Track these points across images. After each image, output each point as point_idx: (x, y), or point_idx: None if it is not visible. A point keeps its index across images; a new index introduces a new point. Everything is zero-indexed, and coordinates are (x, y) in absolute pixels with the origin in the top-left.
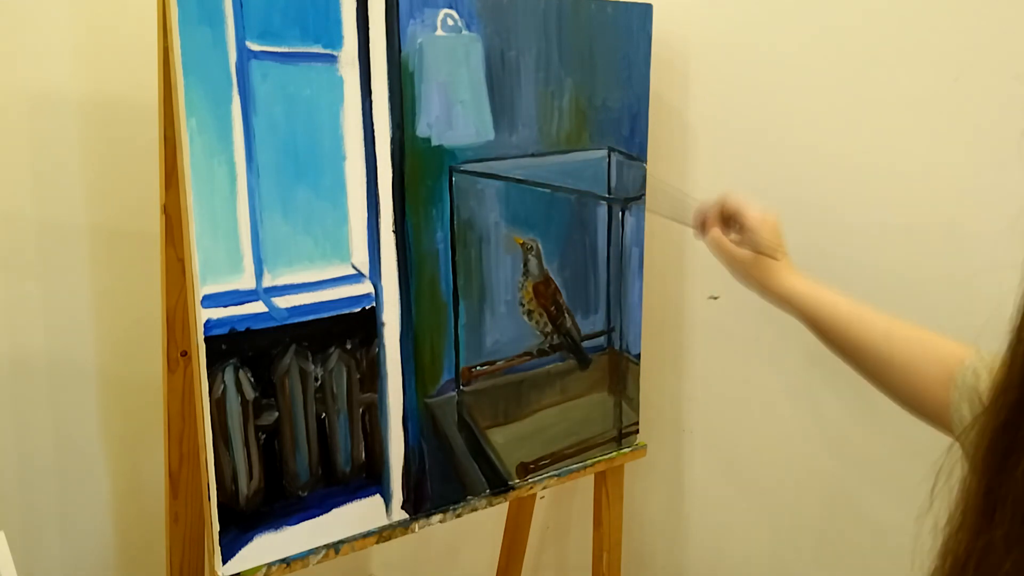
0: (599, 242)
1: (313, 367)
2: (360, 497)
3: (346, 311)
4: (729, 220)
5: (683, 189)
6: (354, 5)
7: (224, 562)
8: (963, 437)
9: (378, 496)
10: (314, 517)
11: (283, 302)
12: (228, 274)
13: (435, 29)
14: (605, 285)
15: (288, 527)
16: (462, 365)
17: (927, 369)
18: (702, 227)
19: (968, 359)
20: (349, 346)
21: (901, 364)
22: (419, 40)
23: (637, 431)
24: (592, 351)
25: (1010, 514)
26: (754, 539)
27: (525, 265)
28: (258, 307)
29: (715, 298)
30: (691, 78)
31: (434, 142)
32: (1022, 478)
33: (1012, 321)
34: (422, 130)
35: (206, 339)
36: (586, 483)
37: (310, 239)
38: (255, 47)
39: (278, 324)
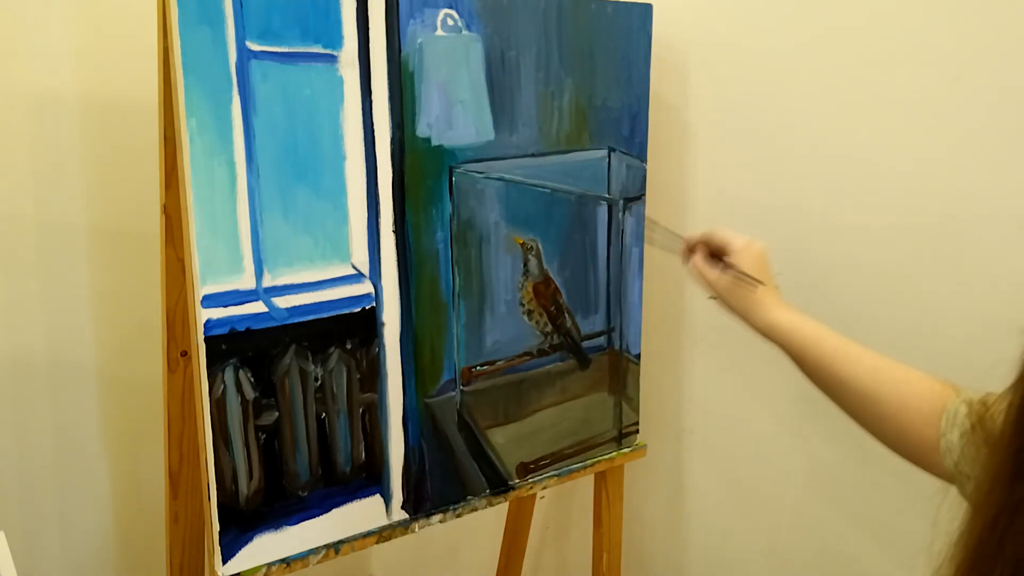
0: (599, 242)
1: (313, 367)
2: (360, 497)
3: (346, 311)
4: (717, 254)
5: (675, 230)
6: (354, 5)
7: (224, 562)
8: (926, 454)
9: (378, 496)
10: (314, 517)
11: (283, 302)
12: (228, 274)
13: (435, 29)
14: (605, 285)
15: (288, 527)
16: (462, 365)
17: (915, 406)
18: (688, 254)
19: (962, 394)
20: (349, 346)
21: (887, 401)
22: (419, 40)
23: (637, 431)
24: (592, 351)
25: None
26: (754, 539)
27: (525, 265)
28: (258, 307)
29: (715, 298)
30: (691, 78)
31: (434, 142)
32: (1012, 541)
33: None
34: (422, 130)
35: (206, 339)
36: (586, 483)
37: (310, 239)
38: (255, 47)
39: (278, 324)
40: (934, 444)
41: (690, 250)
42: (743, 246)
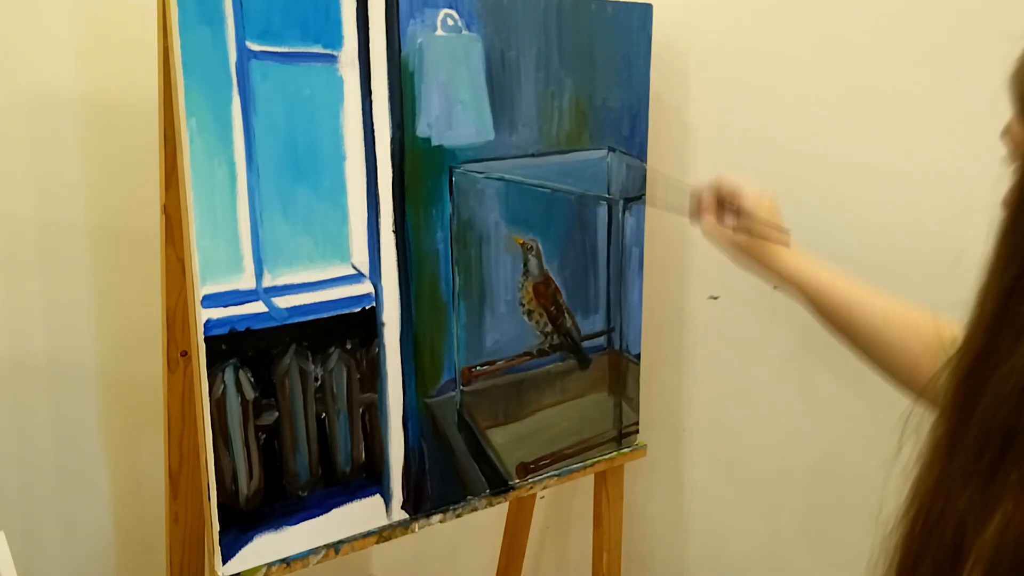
0: (599, 242)
1: (313, 367)
2: (360, 497)
3: (346, 311)
4: (724, 203)
5: (681, 179)
6: (354, 5)
7: (224, 562)
8: (931, 385)
9: (378, 496)
10: (314, 517)
11: (283, 302)
12: (228, 274)
13: (435, 29)
14: (605, 285)
15: (288, 527)
16: (462, 365)
17: (922, 346)
18: (697, 212)
19: (942, 328)
20: (349, 346)
21: (898, 347)
22: (419, 40)
23: (637, 431)
24: (592, 351)
25: (968, 452)
26: (754, 539)
27: (525, 265)
28: (258, 307)
29: (715, 298)
30: (691, 78)
31: (434, 142)
32: (979, 418)
33: (979, 277)
34: (422, 130)
35: (206, 339)
36: (586, 483)
37: (310, 239)
38: (255, 47)
39: (278, 324)
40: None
41: (698, 204)
42: (757, 196)
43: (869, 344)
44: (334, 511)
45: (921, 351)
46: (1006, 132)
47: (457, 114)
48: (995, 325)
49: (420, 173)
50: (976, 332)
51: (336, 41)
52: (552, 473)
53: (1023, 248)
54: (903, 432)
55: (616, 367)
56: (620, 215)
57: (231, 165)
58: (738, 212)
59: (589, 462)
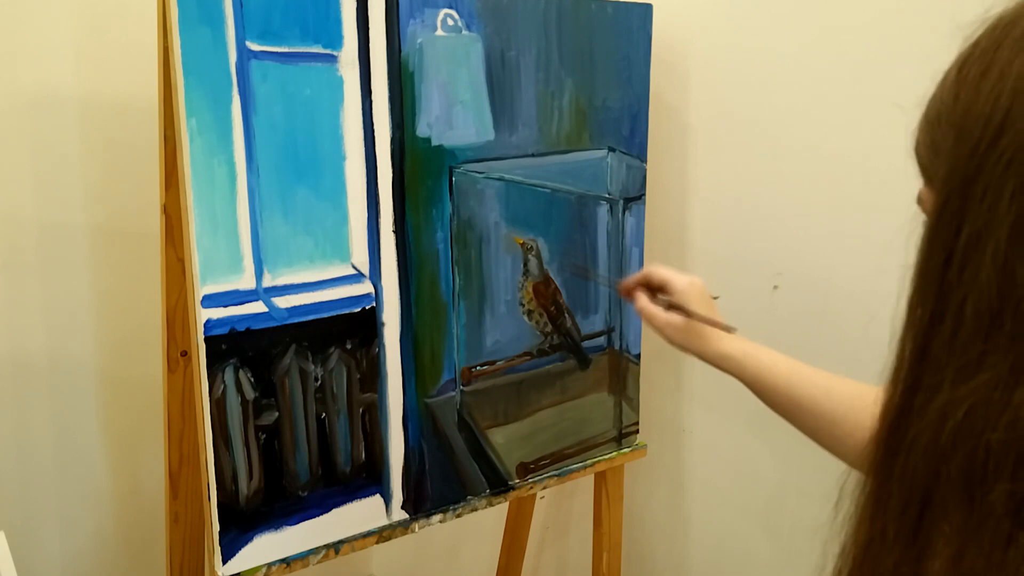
0: (599, 242)
1: (313, 367)
2: (360, 497)
3: (346, 311)
4: (656, 292)
5: (609, 277)
6: (354, 5)
7: (224, 562)
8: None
9: (378, 496)
10: (314, 517)
11: (283, 302)
12: (228, 274)
13: (435, 29)
14: (605, 285)
15: (288, 527)
16: (462, 365)
17: (870, 422)
18: (627, 295)
19: None
20: (349, 346)
21: (843, 420)
22: (419, 40)
23: (637, 431)
24: (592, 351)
25: (891, 512)
26: (754, 539)
27: (525, 265)
28: (258, 307)
29: (715, 298)
30: (691, 78)
31: (434, 142)
32: (898, 478)
33: (893, 342)
34: (422, 130)
35: (206, 339)
36: (586, 483)
37: (310, 239)
38: (255, 47)
39: (278, 324)
40: None
41: (627, 292)
42: (687, 285)
43: (813, 422)
44: (334, 511)
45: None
46: (919, 200)
47: (457, 114)
48: (908, 387)
49: (420, 173)
50: (891, 393)
51: (336, 41)
52: (552, 473)
53: (930, 312)
54: (839, 497)
55: (616, 367)
56: (620, 215)
57: (231, 165)
58: (671, 306)
59: (589, 462)
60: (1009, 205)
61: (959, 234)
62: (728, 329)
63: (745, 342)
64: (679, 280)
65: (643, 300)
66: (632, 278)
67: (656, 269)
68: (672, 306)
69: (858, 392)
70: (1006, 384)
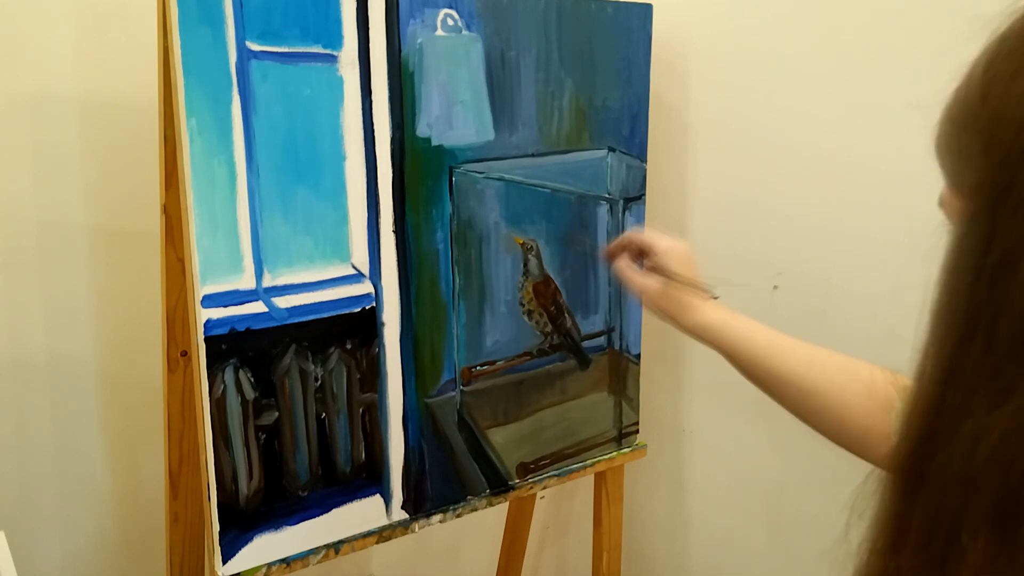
0: (599, 242)
1: (313, 367)
2: (360, 497)
3: (346, 311)
4: (640, 256)
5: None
6: (354, 5)
7: (224, 562)
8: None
9: (378, 496)
10: (314, 517)
11: (283, 302)
12: (228, 274)
13: (435, 29)
14: (605, 285)
15: (288, 527)
16: (462, 365)
17: (852, 396)
18: (609, 258)
19: (900, 385)
20: (349, 346)
21: (825, 392)
22: (419, 40)
23: (637, 431)
24: (592, 351)
25: (914, 544)
26: (754, 539)
27: (525, 265)
28: (258, 307)
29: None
30: (691, 78)
31: (434, 142)
32: (923, 507)
33: (919, 349)
34: (422, 130)
35: (206, 339)
36: (586, 483)
37: (310, 239)
38: (255, 47)
39: (278, 324)
40: (884, 436)
41: (611, 255)
42: (668, 246)
43: (794, 395)
44: (334, 511)
45: (873, 411)
46: (941, 202)
47: (457, 114)
48: (932, 409)
49: (420, 173)
50: (912, 415)
51: (336, 41)
52: (552, 473)
53: (959, 331)
54: (849, 517)
55: (616, 367)
56: (620, 215)
57: (231, 165)
58: (653, 269)
59: (589, 462)
60: None
61: (990, 250)
62: (708, 293)
63: (725, 311)
64: (661, 241)
65: (622, 261)
66: (615, 241)
67: (639, 231)
68: (653, 270)
69: (842, 366)
70: None
